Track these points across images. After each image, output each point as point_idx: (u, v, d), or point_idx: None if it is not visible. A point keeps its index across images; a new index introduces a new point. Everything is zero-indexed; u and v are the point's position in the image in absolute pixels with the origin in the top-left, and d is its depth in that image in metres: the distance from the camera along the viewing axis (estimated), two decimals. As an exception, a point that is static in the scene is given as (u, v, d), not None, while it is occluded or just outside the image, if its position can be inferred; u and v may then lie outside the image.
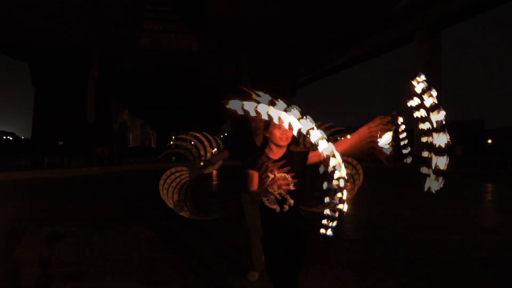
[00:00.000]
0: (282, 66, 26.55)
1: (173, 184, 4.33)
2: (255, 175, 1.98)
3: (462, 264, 4.06)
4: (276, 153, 2.04)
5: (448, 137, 1.42)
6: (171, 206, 4.36)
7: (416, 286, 3.44)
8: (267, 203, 2.01)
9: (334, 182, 1.47)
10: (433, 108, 1.43)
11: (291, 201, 1.94)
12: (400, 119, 1.62)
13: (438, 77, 28.58)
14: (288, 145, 2.05)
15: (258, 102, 1.44)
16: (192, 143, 4.55)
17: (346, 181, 1.50)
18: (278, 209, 1.97)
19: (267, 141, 2.09)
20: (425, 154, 1.48)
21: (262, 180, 1.75)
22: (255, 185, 1.99)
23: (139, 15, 21.21)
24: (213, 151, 4.18)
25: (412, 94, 1.48)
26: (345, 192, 1.51)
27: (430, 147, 1.45)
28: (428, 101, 1.44)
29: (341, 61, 34.97)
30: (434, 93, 1.44)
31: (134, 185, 13.60)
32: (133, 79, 34.69)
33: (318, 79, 44.12)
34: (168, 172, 4.41)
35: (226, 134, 58.15)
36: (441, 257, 4.30)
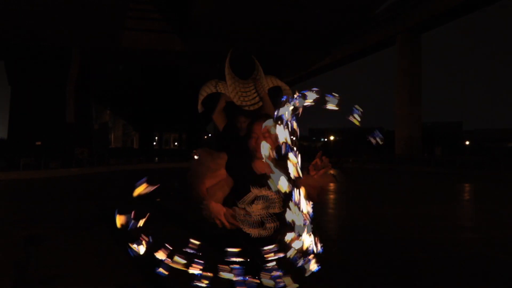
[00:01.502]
0: (265, 67, 26.54)
1: None
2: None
3: (442, 262, 4.10)
4: (257, 166, 1.68)
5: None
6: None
7: (396, 285, 3.44)
8: (242, 226, 1.65)
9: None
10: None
11: (272, 225, 1.62)
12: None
13: (418, 79, 29.18)
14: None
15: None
16: None
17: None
18: (255, 234, 1.64)
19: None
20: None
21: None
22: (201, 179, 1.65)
23: (121, 13, 20.78)
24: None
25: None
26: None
27: None
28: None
29: (324, 63, 35.27)
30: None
31: (113, 186, 13.30)
32: (114, 78, 34.02)
33: (301, 80, 44.36)
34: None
35: (210, 134, 57.85)
36: (421, 256, 4.34)
